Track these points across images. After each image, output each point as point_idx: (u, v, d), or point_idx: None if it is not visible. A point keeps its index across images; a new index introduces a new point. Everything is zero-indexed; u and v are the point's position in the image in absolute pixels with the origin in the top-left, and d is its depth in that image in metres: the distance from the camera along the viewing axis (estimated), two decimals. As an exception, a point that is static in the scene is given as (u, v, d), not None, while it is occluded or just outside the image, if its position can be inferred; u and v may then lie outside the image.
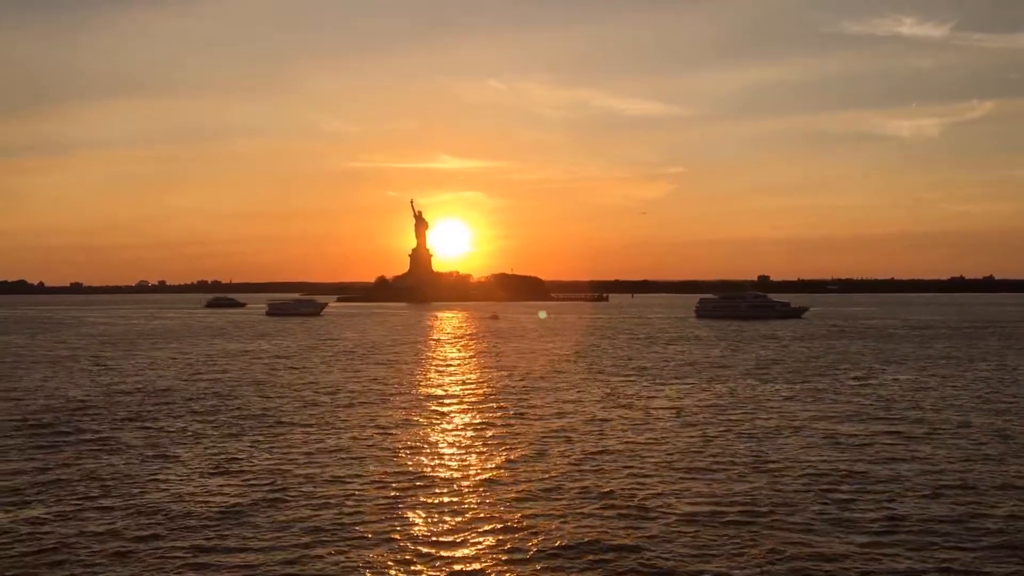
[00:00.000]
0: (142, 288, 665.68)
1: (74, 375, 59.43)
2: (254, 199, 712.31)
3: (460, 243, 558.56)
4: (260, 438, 34.23)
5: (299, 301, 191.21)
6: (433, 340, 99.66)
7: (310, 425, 37.14)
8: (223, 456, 30.62)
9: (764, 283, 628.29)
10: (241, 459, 30.10)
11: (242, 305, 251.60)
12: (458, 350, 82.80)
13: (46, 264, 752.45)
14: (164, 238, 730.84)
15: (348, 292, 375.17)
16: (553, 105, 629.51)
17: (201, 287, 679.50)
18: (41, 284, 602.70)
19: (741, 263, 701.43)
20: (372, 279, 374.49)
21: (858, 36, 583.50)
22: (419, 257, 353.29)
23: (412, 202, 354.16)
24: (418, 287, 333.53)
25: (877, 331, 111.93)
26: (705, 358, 70.96)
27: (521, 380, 54.71)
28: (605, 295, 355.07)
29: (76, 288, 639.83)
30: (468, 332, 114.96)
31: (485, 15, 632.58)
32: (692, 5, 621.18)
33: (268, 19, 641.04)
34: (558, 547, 20.00)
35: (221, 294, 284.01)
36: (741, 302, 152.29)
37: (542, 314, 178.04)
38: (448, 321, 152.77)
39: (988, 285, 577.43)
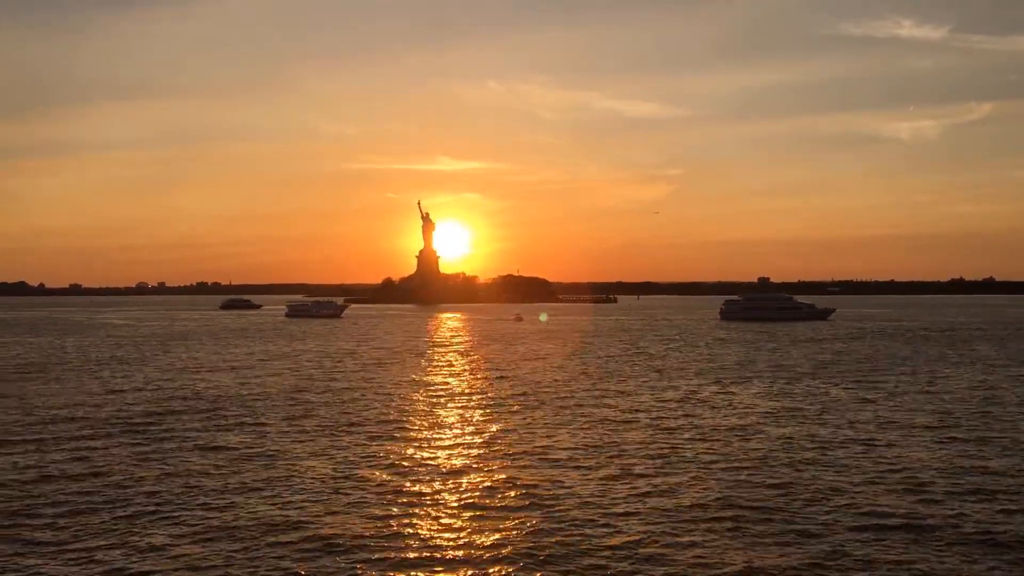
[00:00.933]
0: (142, 289, 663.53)
1: (168, 374, 59.30)
2: (253, 201, 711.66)
3: (459, 244, 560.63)
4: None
5: (319, 303, 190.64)
6: (479, 342, 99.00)
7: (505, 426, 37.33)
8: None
9: (764, 284, 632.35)
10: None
11: (257, 307, 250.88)
12: (521, 354, 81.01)
13: (45, 265, 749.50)
14: (163, 240, 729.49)
15: (352, 294, 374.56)
16: (552, 107, 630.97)
17: (201, 288, 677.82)
18: (42, 285, 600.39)
19: (740, 264, 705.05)
20: (372, 281, 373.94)
21: (857, 38, 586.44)
22: (426, 258, 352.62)
23: (419, 203, 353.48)
24: (425, 288, 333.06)
25: (911, 332, 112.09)
26: (761, 359, 71.01)
27: (612, 382, 54.45)
28: (613, 296, 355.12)
29: (76, 289, 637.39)
30: (507, 334, 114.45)
31: (484, 17, 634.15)
32: (691, 7, 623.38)
33: (268, 22, 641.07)
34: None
35: (235, 296, 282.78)
36: (768, 304, 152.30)
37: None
38: (473, 324, 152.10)
39: (988, 287, 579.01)
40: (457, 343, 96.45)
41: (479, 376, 58.85)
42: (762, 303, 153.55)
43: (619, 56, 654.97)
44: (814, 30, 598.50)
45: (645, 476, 27.22)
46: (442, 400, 46.21)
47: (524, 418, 39.15)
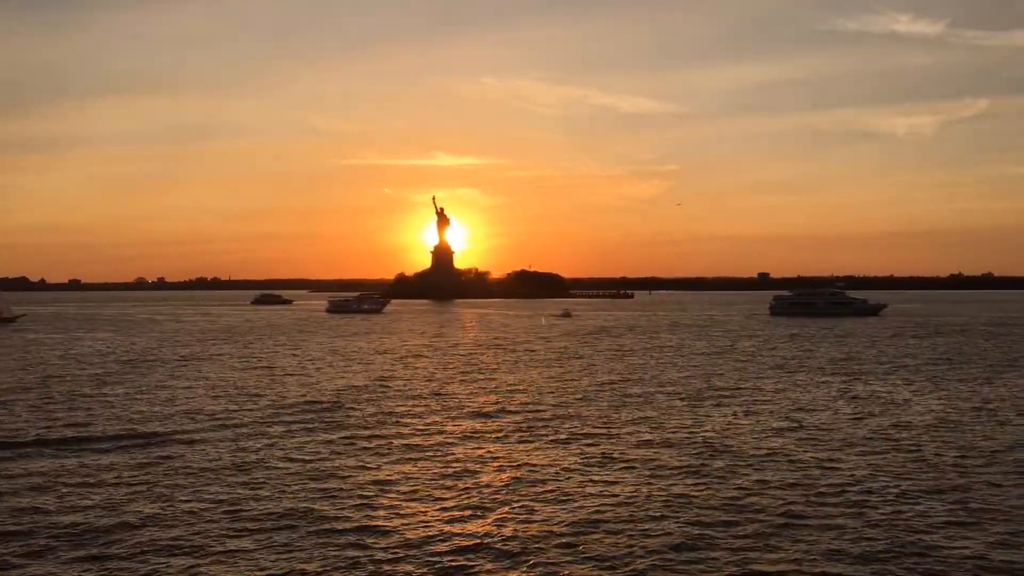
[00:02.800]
0: (141, 285, 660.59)
1: (319, 368, 59.66)
2: (250, 197, 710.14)
3: (456, 240, 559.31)
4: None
5: (360, 298, 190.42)
6: (554, 337, 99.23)
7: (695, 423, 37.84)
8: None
9: (764, 280, 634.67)
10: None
11: (289, 302, 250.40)
12: (615, 349, 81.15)
13: (44, 261, 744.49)
14: (161, 235, 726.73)
15: (362, 289, 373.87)
16: (548, 102, 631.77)
17: (201, 284, 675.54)
18: (43, 281, 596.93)
19: (738, 260, 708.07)
20: (369, 276, 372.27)
21: (853, 33, 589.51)
22: (441, 254, 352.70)
23: (434, 199, 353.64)
24: (440, 284, 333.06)
25: (968, 328, 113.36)
26: (867, 355, 71.96)
27: (754, 382, 55.06)
28: (629, 292, 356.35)
29: (75, 285, 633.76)
30: (572, 331, 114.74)
31: (481, 13, 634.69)
32: (687, 3, 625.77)
33: (265, 18, 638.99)
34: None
35: (267, 291, 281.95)
36: (818, 299, 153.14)
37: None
38: (522, 320, 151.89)
39: (987, 282, 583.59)
40: (541, 339, 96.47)
41: (632, 376, 58.66)
42: (813, 298, 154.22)
43: (616, 52, 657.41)
44: (810, 26, 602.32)
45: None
46: (644, 401, 45.71)
47: (745, 421, 38.78)
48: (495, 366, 63.21)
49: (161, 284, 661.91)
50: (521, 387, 49.88)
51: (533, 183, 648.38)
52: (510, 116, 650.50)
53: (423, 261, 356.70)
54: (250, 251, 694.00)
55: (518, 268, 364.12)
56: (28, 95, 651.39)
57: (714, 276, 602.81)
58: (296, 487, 25.18)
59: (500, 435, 34.04)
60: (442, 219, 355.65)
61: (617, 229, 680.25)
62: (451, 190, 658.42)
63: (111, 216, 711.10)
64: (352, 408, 41.33)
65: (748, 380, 53.02)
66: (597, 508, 22.91)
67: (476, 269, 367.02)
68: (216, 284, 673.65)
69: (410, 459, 29.37)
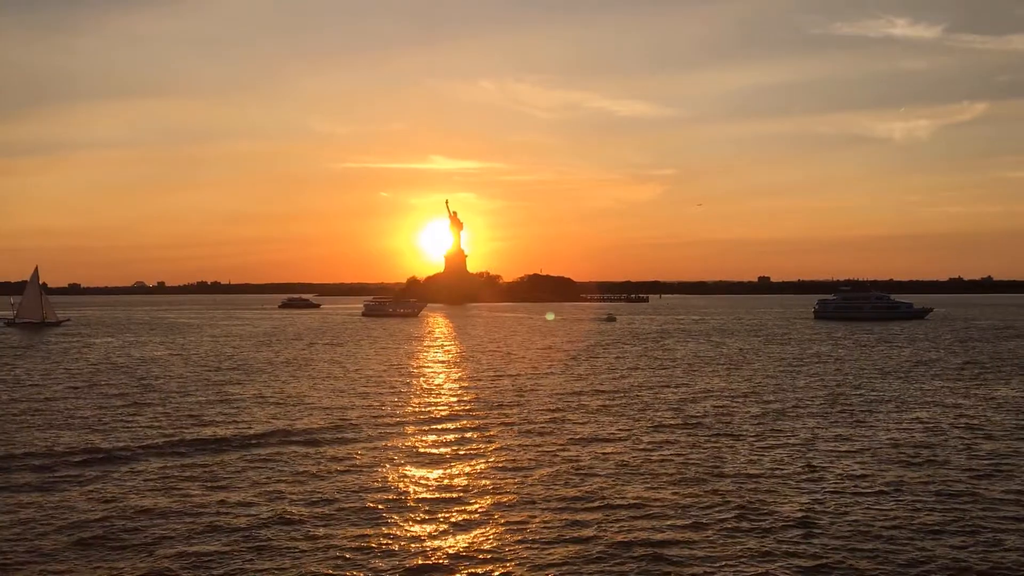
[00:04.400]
0: (141, 289, 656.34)
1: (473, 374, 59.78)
2: (247, 200, 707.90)
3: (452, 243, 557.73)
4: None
5: (396, 302, 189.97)
6: (634, 343, 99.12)
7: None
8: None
9: (765, 284, 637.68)
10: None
11: (317, 306, 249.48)
12: (724, 356, 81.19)
13: (44, 265, 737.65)
14: (159, 239, 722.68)
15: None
16: (545, 106, 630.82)
17: (201, 288, 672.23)
18: (44, 285, 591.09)
19: (736, 264, 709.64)
20: (378, 280, 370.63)
21: (849, 38, 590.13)
22: (455, 258, 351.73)
23: (447, 203, 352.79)
24: (454, 288, 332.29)
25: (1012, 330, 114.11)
26: (948, 359, 72.75)
27: (870, 390, 55.82)
28: (644, 296, 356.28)
29: (75, 289, 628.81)
30: (635, 333, 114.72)
31: (477, 17, 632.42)
32: (683, 7, 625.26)
33: (261, 21, 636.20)
34: None
35: (295, 295, 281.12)
36: (864, 303, 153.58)
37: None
38: (570, 324, 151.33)
39: (987, 286, 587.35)
40: (608, 345, 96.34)
41: (749, 382, 58.64)
42: (858, 302, 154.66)
43: (612, 56, 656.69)
44: (806, 30, 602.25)
45: None
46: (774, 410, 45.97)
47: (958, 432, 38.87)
48: (647, 363, 63.38)
49: (161, 288, 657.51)
50: (720, 392, 49.76)
51: (530, 187, 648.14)
52: (507, 120, 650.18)
53: (419, 265, 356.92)
54: (249, 255, 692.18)
55: (522, 272, 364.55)
56: (28, 98, 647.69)
57: (715, 280, 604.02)
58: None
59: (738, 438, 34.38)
60: (455, 223, 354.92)
61: (615, 233, 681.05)
62: (448, 194, 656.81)
63: (110, 219, 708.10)
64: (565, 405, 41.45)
65: (881, 388, 52.66)
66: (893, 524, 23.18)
67: (488, 273, 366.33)
68: (217, 288, 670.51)
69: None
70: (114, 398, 47.38)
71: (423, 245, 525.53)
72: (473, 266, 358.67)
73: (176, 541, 20.91)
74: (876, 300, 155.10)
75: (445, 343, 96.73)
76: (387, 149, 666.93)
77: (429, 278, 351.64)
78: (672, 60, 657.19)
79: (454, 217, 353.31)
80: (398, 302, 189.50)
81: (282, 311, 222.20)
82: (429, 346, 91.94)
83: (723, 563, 19.31)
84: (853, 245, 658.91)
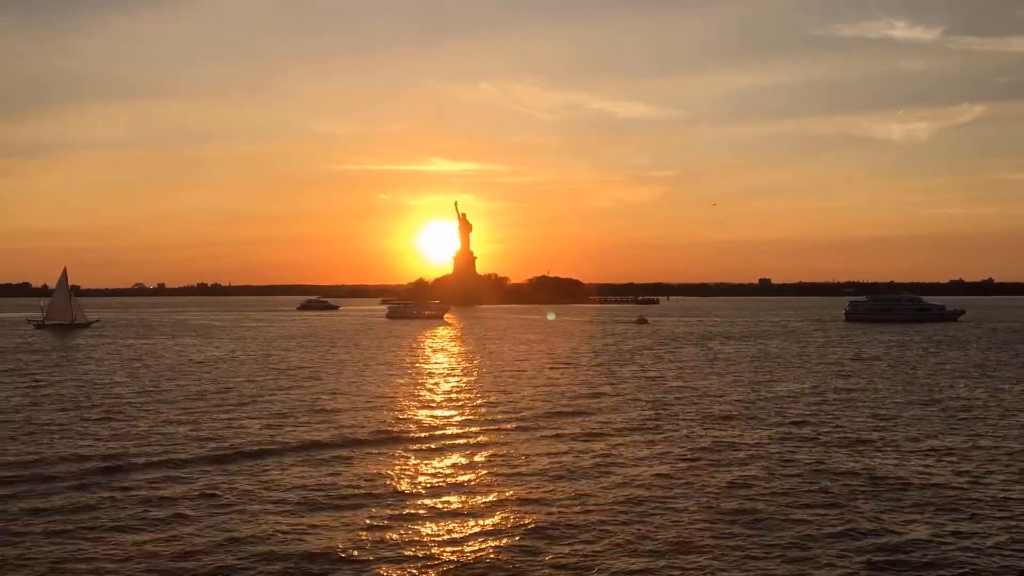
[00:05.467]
0: (141, 290, 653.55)
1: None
2: (248, 201, 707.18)
3: (451, 246, 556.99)
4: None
5: (421, 304, 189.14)
6: (680, 346, 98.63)
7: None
8: None
9: (766, 286, 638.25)
10: None
11: (336, 307, 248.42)
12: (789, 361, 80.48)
13: (41, 267, 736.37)
14: (159, 240, 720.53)
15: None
16: (545, 108, 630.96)
17: (202, 290, 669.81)
18: (45, 287, 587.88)
19: (739, 265, 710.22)
20: (373, 282, 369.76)
21: (849, 39, 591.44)
22: (463, 259, 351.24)
23: (456, 204, 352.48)
24: (462, 290, 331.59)
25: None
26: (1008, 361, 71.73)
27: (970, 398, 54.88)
28: (655, 298, 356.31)
29: (74, 291, 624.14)
30: (674, 336, 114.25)
31: (477, 18, 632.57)
32: (683, 9, 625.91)
33: (260, 22, 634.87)
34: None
35: (313, 297, 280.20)
36: (895, 305, 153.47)
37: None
38: (596, 326, 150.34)
39: (988, 288, 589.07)
40: (660, 349, 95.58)
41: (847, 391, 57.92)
42: (889, 304, 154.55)
43: (612, 57, 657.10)
44: (806, 31, 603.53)
45: None
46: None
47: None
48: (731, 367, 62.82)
49: (161, 290, 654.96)
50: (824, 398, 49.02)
51: (530, 188, 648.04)
52: (507, 121, 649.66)
53: (419, 267, 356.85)
54: (249, 256, 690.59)
55: (523, 273, 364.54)
56: (28, 98, 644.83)
57: (716, 282, 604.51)
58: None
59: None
60: (464, 225, 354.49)
61: (615, 234, 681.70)
62: (447, 195, 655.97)
63: (110, 220, 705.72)
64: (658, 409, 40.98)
65: (965, 390, 51.64)
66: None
67: (495, 274, 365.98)
68: (217, 290, 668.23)
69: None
70: (216, 399, 46.87)
71: (423, 247, 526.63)
72: (478, 268, 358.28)
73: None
74: (908, 302, 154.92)
75: (492, 345, 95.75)
76: (387, 150, 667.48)
77: (437, 280, 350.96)
78: (672, 61, 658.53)
79: (463, 219, 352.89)
80: (423, 304, 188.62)
81: (302, 313, 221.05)
82: (480, 348, 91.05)
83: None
84: (853, 246, 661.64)
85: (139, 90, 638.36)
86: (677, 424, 38.20)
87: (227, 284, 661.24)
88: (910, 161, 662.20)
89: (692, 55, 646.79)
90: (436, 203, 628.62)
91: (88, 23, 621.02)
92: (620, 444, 33.44)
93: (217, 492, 25.52)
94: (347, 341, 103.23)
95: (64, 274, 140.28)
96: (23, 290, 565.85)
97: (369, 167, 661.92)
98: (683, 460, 30.20)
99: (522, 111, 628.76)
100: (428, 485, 26.67)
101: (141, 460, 30.16)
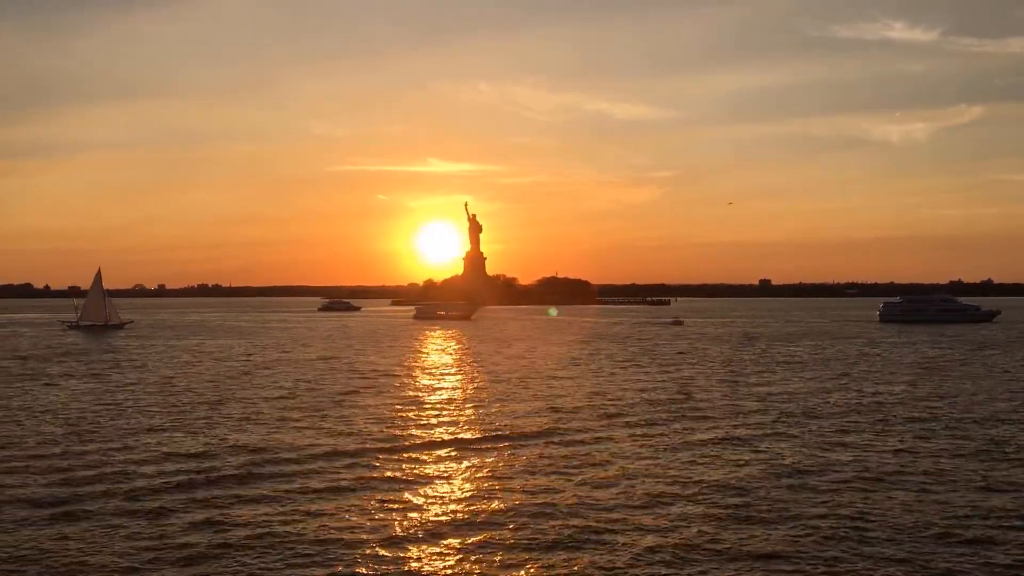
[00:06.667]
0: (141, 291, 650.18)
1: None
2: (248, 201, 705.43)
3: (450, 247, 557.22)
4: None
5: (449, 305, 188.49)
6: (720, 345, 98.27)
7: None
8: None
9: (766, 287, 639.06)
10: None
11: (358, 309, 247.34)
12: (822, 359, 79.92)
13: (44, 267, 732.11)
14: (159, 240, 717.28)
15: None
16: (543, 109, 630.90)
17: (202, 290, 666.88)
18: (47, 287, 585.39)
19: (738, 266, 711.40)
20: (373, 283, 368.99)
21: (847, 40, 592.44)
22: (474, 260, 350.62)
23: (466, 205, 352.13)
24: (472, 290, 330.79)
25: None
26: None
27: None
28: (666, 299, 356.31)
29: (74, 291, 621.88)
30: (717, 336, 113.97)
31: (475, 19, 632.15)
32: (682, 10, 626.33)
33: (259, 23, 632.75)
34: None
35: (335, 299, 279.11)
36: (929, 306, 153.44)
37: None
38: (632, 327, 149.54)
39: (987, 288, 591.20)
40: (702, 352, 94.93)
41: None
42: (924, 304, 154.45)
43: (610, 58, 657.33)
44: (804, 32, 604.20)
45: None
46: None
47: None
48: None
49: (161, 291, 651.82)
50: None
51: (528, 189, 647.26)
52: (505, 122, 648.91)
53: (416, 268, 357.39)
54: (249, 257, 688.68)
55: (523, 273, 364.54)
56: (28, 98, 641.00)
57: (717, 283, 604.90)
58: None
59: None
60: (474, 225, 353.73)
61: (614, 235, 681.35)
62: (445, 196, 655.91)
63: (110, 220, 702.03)
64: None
65: None
66: None
67: (504, 275, 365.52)
68: (218, 291, 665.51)
69: None
70: (326, 399, 46.85)
71: (421, 248, 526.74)
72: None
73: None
74: (943, 302, 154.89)
75: (541, 345, 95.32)
76: (384, 151, 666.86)
77: (446, 281, 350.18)
78: (670, 62, 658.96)
79: (473, 220, 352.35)
80: (451, 305, 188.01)
81: (325, 314, 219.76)
82: (535, 347, 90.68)
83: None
84: (853, 247, 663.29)
85: (139, 90, 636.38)
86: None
87: (227, 285, 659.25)
88: (908, 162, 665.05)
89: (690, 56, 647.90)
90: (434, 204, 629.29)
91: (88, 23, 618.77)
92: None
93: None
94: (404, 342, 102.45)
95: (99, 275, 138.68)
96: (25, 291, 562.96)
97: (367, 168, 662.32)
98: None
99: (520, 112, 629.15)
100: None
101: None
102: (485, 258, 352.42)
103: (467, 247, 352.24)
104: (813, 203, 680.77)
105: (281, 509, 23.32)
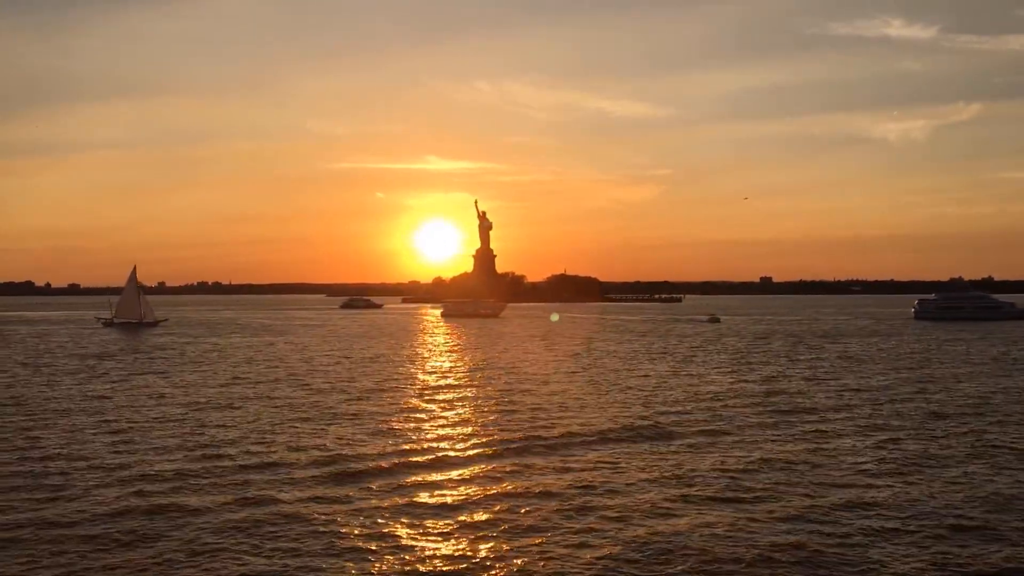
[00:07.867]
0: (141, 290, 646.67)
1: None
2: (247, 200, 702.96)
3: (449, 244, 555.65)
4: None
5: (478, 303, 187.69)
6: (766, 345, 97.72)
7: None
8: None
9: (767, 284, 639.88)
10: None
11: (379, 306, 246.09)
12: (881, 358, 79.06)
13: (44, 265, 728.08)
14: (158, 239, 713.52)
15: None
16: (541, 107, 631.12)
17: (202, 288, 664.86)
18: (48, 285, 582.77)
19: (738, 264, 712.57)
20: (374, 281, 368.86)
21: (846, 38, 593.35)
22: (484, 258, 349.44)
23: (476, 203, 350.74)
24: (483, 288, 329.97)
25: None
26: None
27: None
28: (678, 296, 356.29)
29: (75, 289, 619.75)
30: (758, 334, 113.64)
31: (474, 18, 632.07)
32: (680, 8, 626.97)
33: (259, 22, 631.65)
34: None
35: (355, 296, 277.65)
36: (965, 303, 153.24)
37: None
38: (672, 324, 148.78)
39: (988, 286, 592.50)
40: (748, 349, 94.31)
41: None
42: (959, 302, 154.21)
43: (609, 57, 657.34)
44: (802, 30, 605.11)
45: None
46: None
47: None
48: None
49: (162, 288, 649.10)
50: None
51: (528, 187, 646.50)
52: (503, 121, 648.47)
53: (415, 266, 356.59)
54: (249, 255, 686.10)
55: (544, 272, 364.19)
56: (28, 98, 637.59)
57: (718, 280, 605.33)
58: None
59: None
60: (484, 223, 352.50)
61: (613, 234, 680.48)
62: (444, 194, 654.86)
63: (109, 219, 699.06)
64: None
65: None
66: None
67: (513, 273, 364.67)
68: (218, 289, 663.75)
69: None
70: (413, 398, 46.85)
71: (419, 245, 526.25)
72: (468, 267, 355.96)
73: None
74: (978, 300, 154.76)
75: (584, 344, 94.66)
76: (383, 149, 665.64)
77: (455, 278, 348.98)
78: (669, 61, 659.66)
79: (483, 217, 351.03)
80: (479, 302, 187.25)
81: (347, 311, 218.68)
82: (591, 345, 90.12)
83: None
84: (852, 245, 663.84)
85: (139, 89, 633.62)
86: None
87: (227, 283, 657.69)
88: (907, 160, 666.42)
89: (689, 55, 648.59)
90: (433, 202, 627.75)
91: (88, 23, 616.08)
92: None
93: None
94: (446, 340, 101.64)
95: (133, 272, 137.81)
96: (27, 289, 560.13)
97: (366, 166, 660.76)
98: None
99: (519, 110, 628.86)
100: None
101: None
102: (495, 255, 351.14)
103: (476, 244, 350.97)
104: (812, 201, 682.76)
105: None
